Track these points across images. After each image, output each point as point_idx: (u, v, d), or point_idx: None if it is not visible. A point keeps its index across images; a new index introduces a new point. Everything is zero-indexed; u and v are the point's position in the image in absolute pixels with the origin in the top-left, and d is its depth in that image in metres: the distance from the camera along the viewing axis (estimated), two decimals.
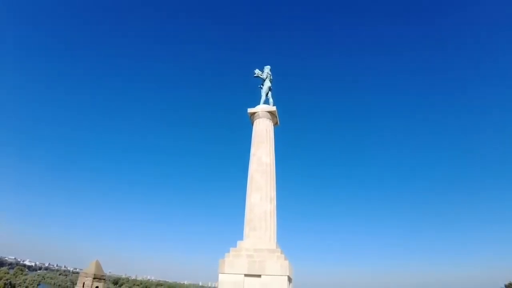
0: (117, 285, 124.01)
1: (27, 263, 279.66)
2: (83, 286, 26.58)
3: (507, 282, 46.49)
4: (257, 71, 21.87)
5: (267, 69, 21.97)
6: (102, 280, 28.14)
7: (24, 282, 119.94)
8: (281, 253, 16.59)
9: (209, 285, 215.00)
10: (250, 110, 20.85)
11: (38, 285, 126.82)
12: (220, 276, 16.09)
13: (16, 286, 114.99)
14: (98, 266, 28.15)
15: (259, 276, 15.67)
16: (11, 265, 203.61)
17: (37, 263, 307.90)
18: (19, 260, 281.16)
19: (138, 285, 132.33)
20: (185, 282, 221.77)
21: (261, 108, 20.60)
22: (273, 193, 18.54)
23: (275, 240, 17.52)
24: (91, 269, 27.51)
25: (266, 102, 21.34)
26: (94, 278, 27.01)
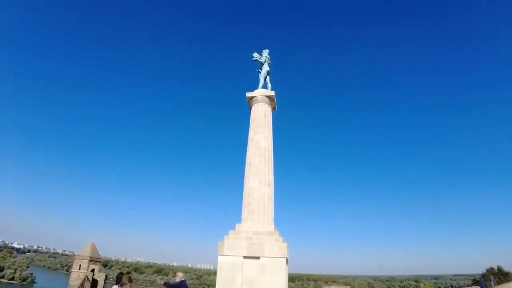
0: (107, 267, 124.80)
1: (15, 245, 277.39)
2: (79, 269, 26.74)
3: (488, 267, 48.64)
4: (255, 55, 21.65)
5: (265, 52, 21.72)
6: (98, 263, 28.34)
7: (13, 265, 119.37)
8: (279, 236, 16.95)
9: (198, 267, 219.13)
10: (248, 94, 20.74)
11: (27, 267, 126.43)
12: (220, 258, 16.39)
13: (5, 269, 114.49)
14: (94, 249, 28.24)
15: (258, 258, 16.04)
16: None
17: (26, 245, 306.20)
18: (7, 243, 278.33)
19: (128, 267, 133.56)
20: (174, 264, 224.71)
21: (259, 93, 20.50)
22: (271, 177, 18.74)
23: (273, 223, 17.85)
24: (86, 252, 27.61)
25: (265, 86, 21.22)
26: (90, 261, 27.16)
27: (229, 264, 16.16)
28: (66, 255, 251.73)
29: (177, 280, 10.89)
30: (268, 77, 21.49)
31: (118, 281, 9.12)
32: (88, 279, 25.98)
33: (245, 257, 16.13)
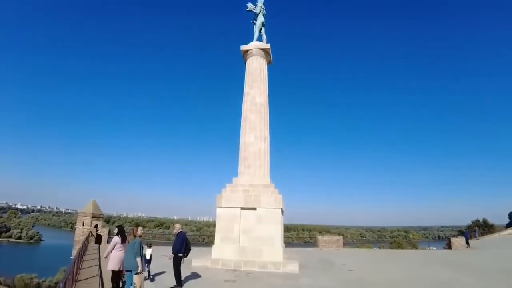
0: (110, 223, 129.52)
1: (18, 206, 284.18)
2: (83, 225, 27.64)
3: (474, 219, 50.87)
4: (249, 5, 20.59)
5: (260, 2, 20.59)
6: (101, 219, 29.22)
7: (19, 225, 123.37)
8: (274, 188, 17.47)
9: (198, 219, 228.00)
10: (243, 47, 20.06)
11: (33, 226, 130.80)
12: (218, 209, 16.99)
13: (11, 229, 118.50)
14: (95, 205, 29.01)
15: (254, 209, 16.66)
16: (3, 209, 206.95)
17: (29, 206, 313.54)
18: (10, 204, 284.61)
19: (129, 222, 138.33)
20: (175, 217, 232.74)
21: (254, 45, 19.83)
22: (266, 132, 18.84)
23: (269, 176, 18.32)
24: (88, 209, 28.34)
25: (260, 38, 20.46)
26: (92, 217, 27.99)
27: (227, 215, 16.80)
28: (69, 213, 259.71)
29: (175, 231, 11.36)
30: (263, 28, 20.65)
31: (119, 232, 9.56)
32: (92, 234, 26.93)
33: (242, 208, 16.73)
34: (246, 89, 19.42)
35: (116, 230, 9.74)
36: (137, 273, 7.64)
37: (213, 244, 16.78)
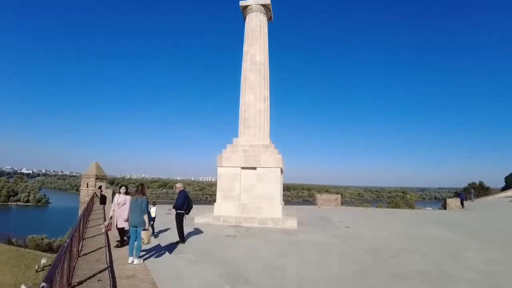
0: (114, 185, 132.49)
1: (24, 171, 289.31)
2: (87, 187, 28.22)
3: (470, 182, 51.84)
4: None
5: None
6: (104, 180, 29.79)
7: (26, 189, 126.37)
8: (274, 148, 17.55)
9: (200, 179, 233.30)
10: (242, 3, 19.04)
11: (39, 190, 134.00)
12: (219, 169, 17.22)
13: (19, 193, 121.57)
14: (99, 167, 29.42)
15: (254, 168, 16.86)
16: (9, 174, 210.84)
17: (34, 170, 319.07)
18: (16, 169, 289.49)
19: (133, 183, 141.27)
20: (178, 178, 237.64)
21: (254, 1, 18.85)
22: (266, 93, 18.53)
23: (269, 137, 18.32)
24: (92, 171, 28.79)
25: None
26: (96, 179, 28.53)
27: (228, 174, 17.06)
28: (74, 176, 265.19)
29: (176, 191, 11.57)
30: None
31: (128, 192, 9.85)
32: (96, 195, 27.58)
33: (242, 167, 16.95)
34: (245, 47, 18.77)
35: (124, 189, 9.91)
36: (144, 229, 7.93)
37: (215, 202, 17.22)
